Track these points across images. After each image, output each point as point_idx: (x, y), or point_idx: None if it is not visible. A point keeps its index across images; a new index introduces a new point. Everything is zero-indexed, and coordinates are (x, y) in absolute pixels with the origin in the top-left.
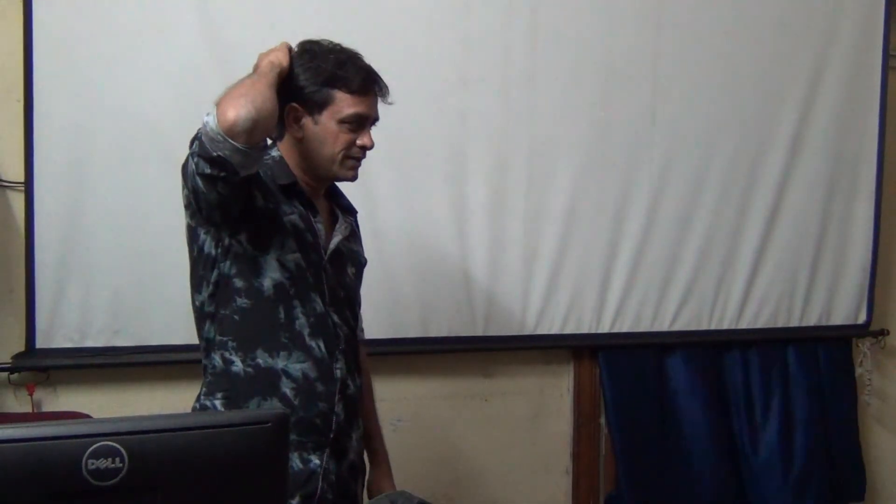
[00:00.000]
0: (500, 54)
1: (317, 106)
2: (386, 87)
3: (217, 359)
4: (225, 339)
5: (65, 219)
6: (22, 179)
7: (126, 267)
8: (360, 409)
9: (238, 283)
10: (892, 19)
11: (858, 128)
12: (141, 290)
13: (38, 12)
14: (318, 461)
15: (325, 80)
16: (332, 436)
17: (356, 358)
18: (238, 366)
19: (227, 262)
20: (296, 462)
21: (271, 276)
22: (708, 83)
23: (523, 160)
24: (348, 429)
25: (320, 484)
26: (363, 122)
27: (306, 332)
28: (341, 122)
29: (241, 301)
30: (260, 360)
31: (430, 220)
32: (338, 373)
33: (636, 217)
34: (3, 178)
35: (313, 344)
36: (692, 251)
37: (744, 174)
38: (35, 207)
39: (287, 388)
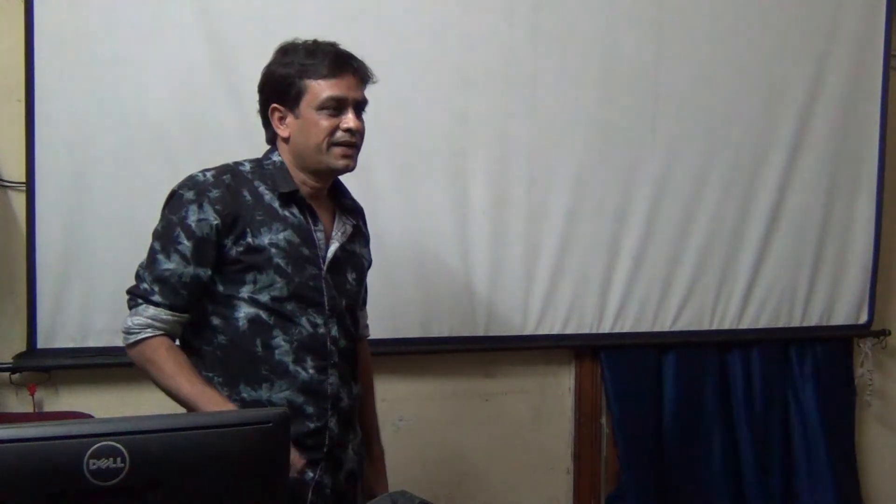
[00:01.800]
0: (501, 54)
1: (293, 101)
2: (362, 65)
3: None
4: (210, 374)
5: (66, 219)
6: (23, 179)
7: (127, 266)
8: (356, 415)
9: (215, 320)
10: (893, 19)
11: (859, 128)
12: None
13: (39, 12)
14: (311, 474)
15: (296, 72)
16: (325, 450)
17: (353, 367)
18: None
19: (205, 301)
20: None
21: (245, 310)
22: (709, 83)
23: (524, 160)
24: (343, 441)
25: (310, 496)
26: (341, 104)
27: (289, 358)
28: (319, 108)
29: (220, 338)
30: (245, 395)
31: (430, 220)
32: (329, 388)
33: (637, 217)
34: (5, 178)
35: (299, 368)
36: (693, 251)
37: (745, 174)
38: (36, 207)
39: None
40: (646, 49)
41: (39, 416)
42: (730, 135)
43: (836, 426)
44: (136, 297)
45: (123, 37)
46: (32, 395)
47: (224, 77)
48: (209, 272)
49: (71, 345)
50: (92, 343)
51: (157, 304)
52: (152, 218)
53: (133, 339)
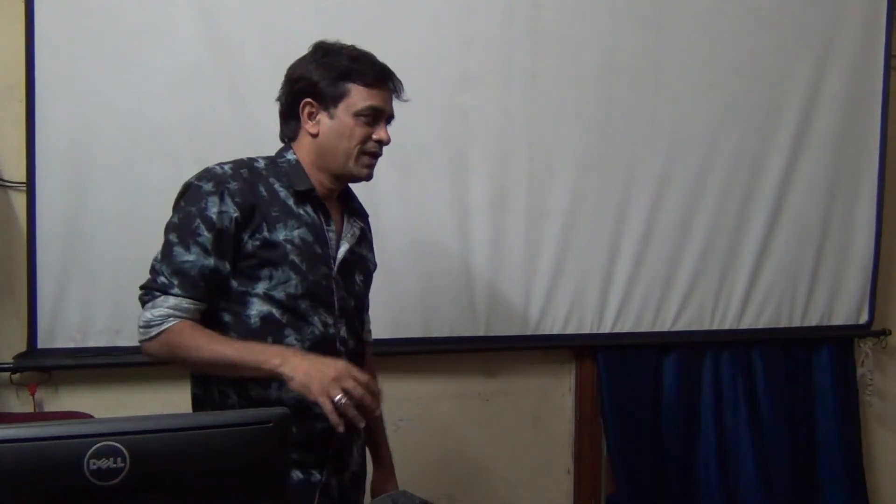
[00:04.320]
0: (502, 54)
1: (332, 100)
2: (400, 83)
3: (215, 391)
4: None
5: (66, 219)
6: (24, 179)
7: (128, 267)
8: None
9: (226, 317)
10: (893, 19)
11: (860, 128)
12: None
13: (39, 13)
14: (318, 476)
15: (340, 73)
16: (331, 452)
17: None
18: (233, 398)
19: (217, 297)
20: (296, 473)
21: (258, 308)
22: (709, 82)
23: (524, 160)
24: (349, 442)
25: (317, 498)
26: (378, 115)
27: None
28: (357, 115)
29: (231, 335)
30: (253, 394)
31: (431, 220)
32: None
33: (637, 217)
34: (5, 179)
35: None
36: (694, 251)
37: (745, 174)
38: (37, 207)
39: None
40: (646, 49)
41: (40, 416)
42: (730, 135)
43: (839, 426)
44: (152, 290)
45: (123, 37)
46: (33, 395)
47: (224, 77)
48: (228, 266)
49: (71, 345)
50: (92, 343)
51: (177, 296)
52: (152, 218)
53: (155, 331)
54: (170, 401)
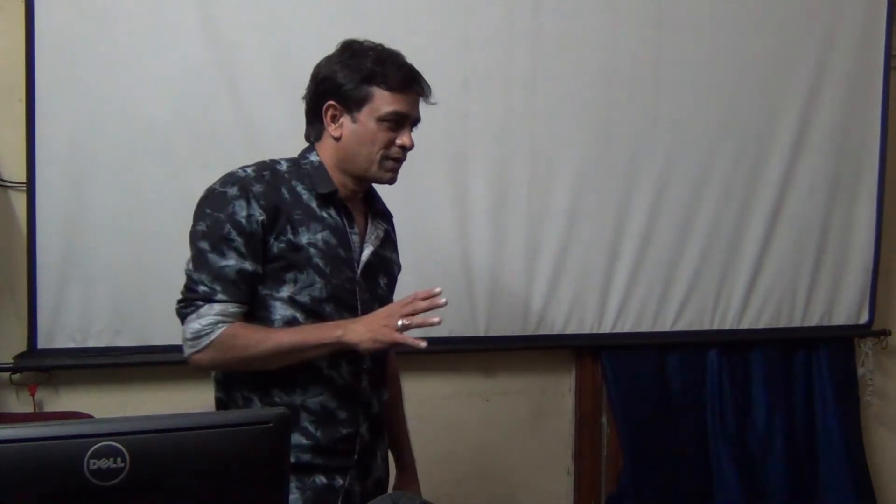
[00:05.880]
0: (502, 55)
1: (355, 104)
2: (427, 86)
3: (238, 396)
4: (242, 376)
5: (66, 219)
6: (24, 179)
7: (127, 267)
8: (384, 422)
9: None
10: (893, 19)
11: (860, 128)
12: (142, 289)
13: (39, 13)
14: (341, 481)
15: (364, 77)
16: (356, 457)
17: (382, 373)
18: (257, 404)
19: None
20: (320, 478)
21: (282, 312)
22: (710, 83)
23: (525, 161)
24: (373, 448)
25: (340, 503)
26: (402, 120)
27: (324, 363)
28: (380, 120)
29: None
30: (277, 399)
31: (431, 221)
32: (362, 394)
33: (638, 217)
34: (5, 179)
35: (333, 373)
36: (694, 251)
37: (746, 174)
38: (37, 207)
39: (307, 421)
40: (646, 49)
41: (40, 417)
42: (730, 135)
43: (840, 426)
44: (195, 301)
45: (123, 37)
46: (33, 395)
47: (224, 77)
48: (260, 269)
49: (71, 345)
50: (92, 343)
51: (222, 301)
52: (152, 218)
53: (206, 340)
54: (170, 401)
